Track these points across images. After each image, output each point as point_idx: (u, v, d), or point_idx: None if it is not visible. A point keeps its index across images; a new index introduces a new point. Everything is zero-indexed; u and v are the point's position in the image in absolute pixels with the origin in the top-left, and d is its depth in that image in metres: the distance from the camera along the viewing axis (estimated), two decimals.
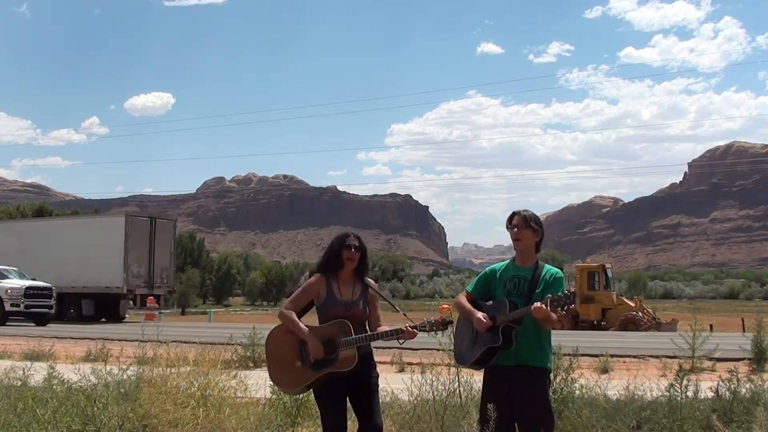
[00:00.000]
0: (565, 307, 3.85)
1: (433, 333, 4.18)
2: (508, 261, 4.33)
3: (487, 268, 4.40)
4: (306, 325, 4.24)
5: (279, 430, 5.87)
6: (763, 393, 6.03)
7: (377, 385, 4.31)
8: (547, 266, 4.21)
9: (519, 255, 4.24)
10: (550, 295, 3.93)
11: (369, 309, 4.30)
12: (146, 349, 9.05)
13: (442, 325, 4.14)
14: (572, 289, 3.94)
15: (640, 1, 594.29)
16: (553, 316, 3.88)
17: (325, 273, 4.31)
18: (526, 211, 4.24)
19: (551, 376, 4.44)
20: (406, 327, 4.13)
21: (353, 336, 4.11)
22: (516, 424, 4.01)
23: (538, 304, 3.88)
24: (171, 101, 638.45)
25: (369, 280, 4.38)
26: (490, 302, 4.19)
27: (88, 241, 27.22)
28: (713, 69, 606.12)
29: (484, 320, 4.01)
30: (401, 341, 4.21)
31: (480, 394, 4.30)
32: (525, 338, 4.02)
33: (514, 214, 4.25)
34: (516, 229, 4.19)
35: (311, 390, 4.37)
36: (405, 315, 4.31)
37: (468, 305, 4.19)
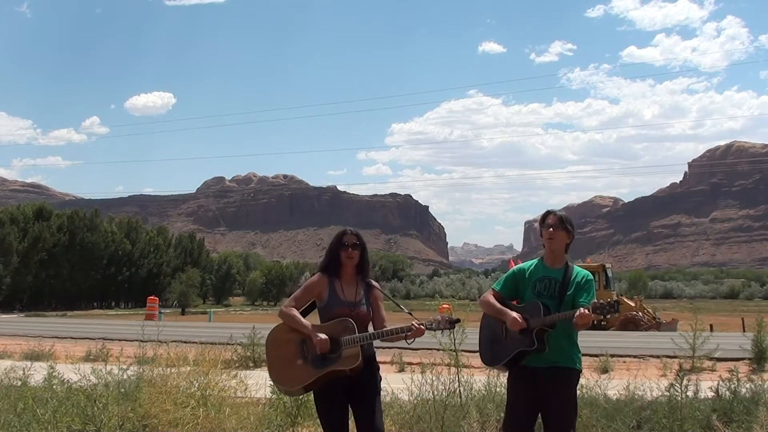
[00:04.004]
0: (608, 315, 3.81)
1: (440, 332, 4.11)
2: (536, 261, 4.23)
3: (515, 267, 4.29)
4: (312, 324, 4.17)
5: (279, 430, 5.86)
6: (763, 393, 6.02)
7: (380, 388, 4.23)
8: (577, 268, 4.14)
9: (549, 255, 4.15)
10: (594, 301, 3.89)
11: (373, 310, 4.22)
12: (146, 349, 9.05)
13: (450, 323, 4.06)
14: (615, 297, 3.91)
15: (642, 0, 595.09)
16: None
17: (327, 273, 4.21)
18: (560, 211, 4.17)
19: (580, 376, 4.31)
20: (413, 324, 4.04)
21: (357, 334, 4.00)
22: (542, 424, 4.00)
23: (583, 310, 3.81)
24: (172, 101, 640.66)
25: (372, 281, 4.28)
26: (515, 302, 4.13)
27: None
28: (715, 68, 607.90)
29: (519, 320, 3.94)
30: (410, 341, 4.10)
31: (480, 393, 4.30)
32: (556, 340, 3.97)
33: (548, 213, 4.17)
34: (551, 229, 4.10)
35: (307, 392, 4.26)
36: (410, 314, 4.25)
37: (498, 305, 4.10)
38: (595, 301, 3.89)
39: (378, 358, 4.32)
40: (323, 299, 4.17)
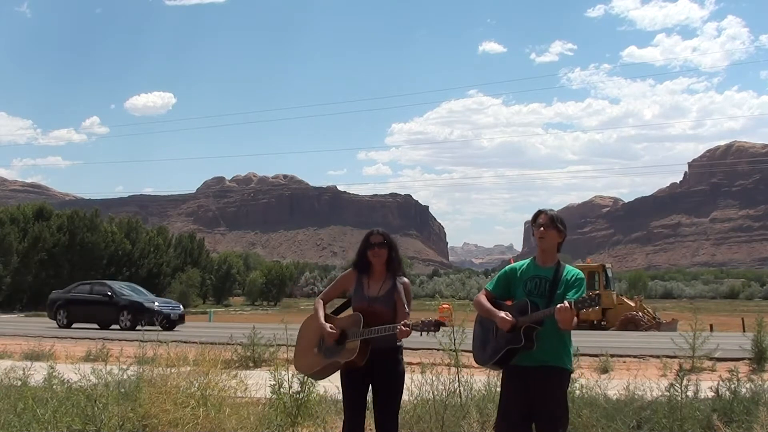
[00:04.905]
0: (590, 309, 3.79)
1: (425, 333, 4.15)
2: (528, 260, 4.24)
3: (507, 267, 4.29)
4: (327, 315, 4.47)
5: (279, 430, 5.85)
6: (763, 393, 6.03)
7: (397, 384, 4.35)
8: (568, 267, 4.13)
9: (541, 254, 4.15)
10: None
11: (396, 306, 4.34)
12: (146, 349, 9.06)
13: (434, 326, 4.12)
14: (597, 291, 3.90)
15: (642, 0, 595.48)
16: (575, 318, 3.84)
17: (357, 269, 4.47)
18: (551, 210, 4.16)
19: (571, 376, 4.28)
20: (400, 325, 4.13)
21: (360, 329, 4.21)
22: (534, 424, 3.99)
23: (563, 304, 3.79)
24: (172, 101, 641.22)
25: (403, 278, 4.42)
26: (509, 302, 4.13)
27: None
28: (715, 68, 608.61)
29: (508, 318, 3.94)
30: (399, 341, 4.28)
31: (480, 393, 4.31)
32: (546, 339, 3.96)
33: (540, 212, 4.17)
34: (542, 228, 4.10)
35: (320, 378, 4.66)
36: (407, 313, 4.31)
37: (488, 304, 4.11)
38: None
39: None
40: (350, 293, 4.48)
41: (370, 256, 4.39)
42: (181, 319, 22.36)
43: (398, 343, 4.36)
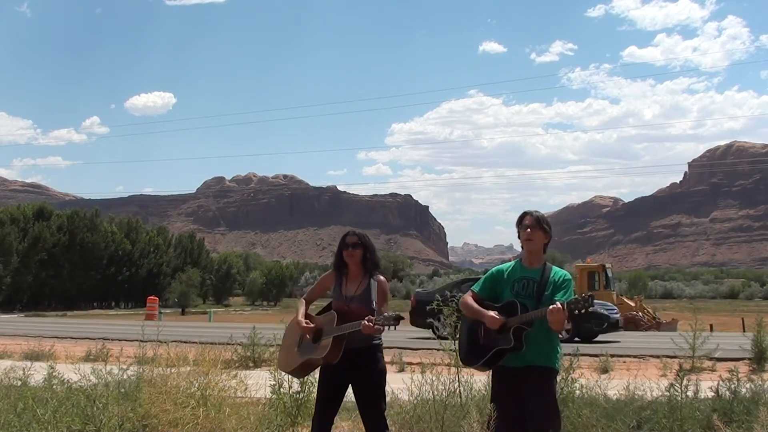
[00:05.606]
0: (583, 310, 3.79)
1: (388, 328, 4.18)
2: (514, 262, 4.26)
3: (494, 269, 4.32)
4: (308, 314, 4.55)
5: (279, 430, 5.86)
6: (763, 393, 6.02)
7: (376, 383, 4.37)
8: (555, 268, 4.15)
9: (527, 256, 4.17)
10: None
11: (376, 305, 4.39)
12: (146, 349, 9.04)
13: (395, 320, 4.15)
14: (590, 292, 3.90)
15: (643, 0, 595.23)
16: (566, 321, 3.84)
17: (337, 270, 4.55)
18: (537, 212, 4.19)
19: (558, 376, 4.32)
20: (364, 321, 4.18)
21: (333, 327, 4.32)
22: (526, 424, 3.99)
23: (556, 305, 3.80)
24: (172, 101, 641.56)
25: (379, 277, 4.48)
26: (496, 303, 4.14)
27: None
28: (716, 68, 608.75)
29: (497, 317, 3.95)
30: (377, 339, 4.40)
31: (480, 393, 4.31)
32: (534, 339, 3.97)
33: (525, 214, 4.19)
34: (528, 230, 4.13)
35: (298, 376, 4.84)
36: (374, 310, 4.35)
37: (476, 305, 4.12)
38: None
39: None
40: (331, 292, 4.58)
41: (345, 256, 4.47)
42: (618, 323, 17.50)
43: (375, 342, 4.39)
